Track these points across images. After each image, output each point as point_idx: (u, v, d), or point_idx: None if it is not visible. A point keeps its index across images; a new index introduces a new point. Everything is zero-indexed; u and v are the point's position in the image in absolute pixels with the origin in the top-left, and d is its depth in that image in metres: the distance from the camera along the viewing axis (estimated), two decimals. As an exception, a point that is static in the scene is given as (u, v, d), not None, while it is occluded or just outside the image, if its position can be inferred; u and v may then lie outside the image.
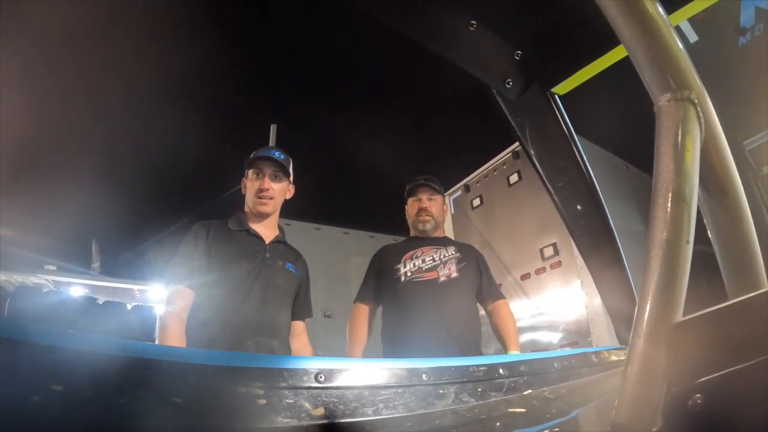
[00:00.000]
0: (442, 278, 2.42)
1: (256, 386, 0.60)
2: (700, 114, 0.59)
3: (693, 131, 0.58)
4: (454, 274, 2.44)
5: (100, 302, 5.97)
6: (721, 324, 0.50)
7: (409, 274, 2.45)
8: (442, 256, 2.49)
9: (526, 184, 4.30)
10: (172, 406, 0.54)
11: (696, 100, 0.59)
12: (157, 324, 5.72)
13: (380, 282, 2.50)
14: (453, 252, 2.52)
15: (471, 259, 2.54)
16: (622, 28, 0.64)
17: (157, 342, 2.50)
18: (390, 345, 2.39)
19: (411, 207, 2.66)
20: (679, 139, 0.57)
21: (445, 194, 4.93)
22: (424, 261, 2.48)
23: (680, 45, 0.63)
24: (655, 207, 0.56)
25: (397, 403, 0.71)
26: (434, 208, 2.61)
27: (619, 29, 0.64)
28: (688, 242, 0.54)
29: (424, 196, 2.63)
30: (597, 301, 3.37)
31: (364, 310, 2.50)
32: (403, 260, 2.50)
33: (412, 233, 2.68)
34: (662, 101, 0.61)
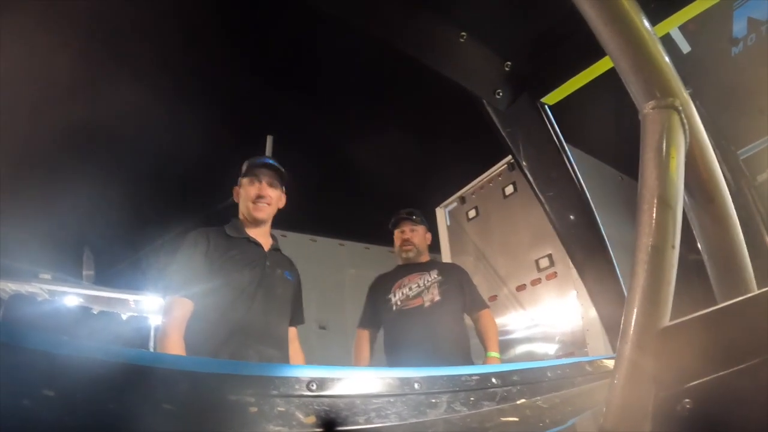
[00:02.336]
0: (427, 303, 2.72)
1: (247, 394, 0.60)
2: (685, 121, 0.60)
3: (677, 138, 0.59)
4: (437, 298, 2.72)
5: (95, 312, 5.90)
6: (708, 328, 0.50)
7: (399, 303, 2.77)
8: (425, 282, 2.79)
9: (522, 195, 4.30)
10: (163, 413, 0.53)
11: (680, 108, 0.60)
12: (152, 334, 5.67)
13: (377, 310, 2.83)
14: (435, 276, 2.81)
15: (452, 280, 2.83)
16: (606, 36, 0.65)
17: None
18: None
19: (396, 238, 2.99)
20: (664, 145, 0.58)
21: (441, 206, 5.03)
22: (410, 289, 2.79)
23: (664, 53, 0.64)
24: (640, 213, 0.56)
25: (389, 412, 0.70)
26: (416, 238, 2.94)
27: (602, 38, 0.65)
28: (673, 247, 0.54)
29: (406, 228, 2.97)
30: (593, 311, 3.35)
31: (364, 335, 2.85)
32: (393, 290, 2.82)
33: (399, 261, 3.01)
34: (646, 109, 0.61)
